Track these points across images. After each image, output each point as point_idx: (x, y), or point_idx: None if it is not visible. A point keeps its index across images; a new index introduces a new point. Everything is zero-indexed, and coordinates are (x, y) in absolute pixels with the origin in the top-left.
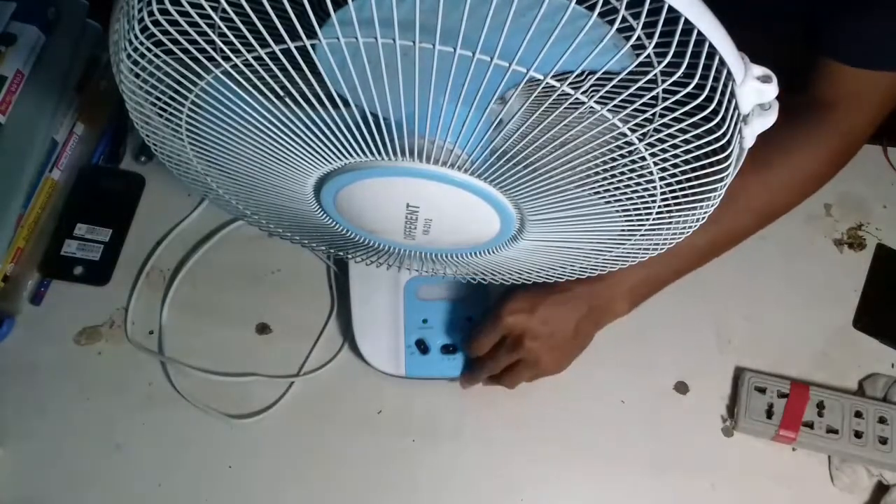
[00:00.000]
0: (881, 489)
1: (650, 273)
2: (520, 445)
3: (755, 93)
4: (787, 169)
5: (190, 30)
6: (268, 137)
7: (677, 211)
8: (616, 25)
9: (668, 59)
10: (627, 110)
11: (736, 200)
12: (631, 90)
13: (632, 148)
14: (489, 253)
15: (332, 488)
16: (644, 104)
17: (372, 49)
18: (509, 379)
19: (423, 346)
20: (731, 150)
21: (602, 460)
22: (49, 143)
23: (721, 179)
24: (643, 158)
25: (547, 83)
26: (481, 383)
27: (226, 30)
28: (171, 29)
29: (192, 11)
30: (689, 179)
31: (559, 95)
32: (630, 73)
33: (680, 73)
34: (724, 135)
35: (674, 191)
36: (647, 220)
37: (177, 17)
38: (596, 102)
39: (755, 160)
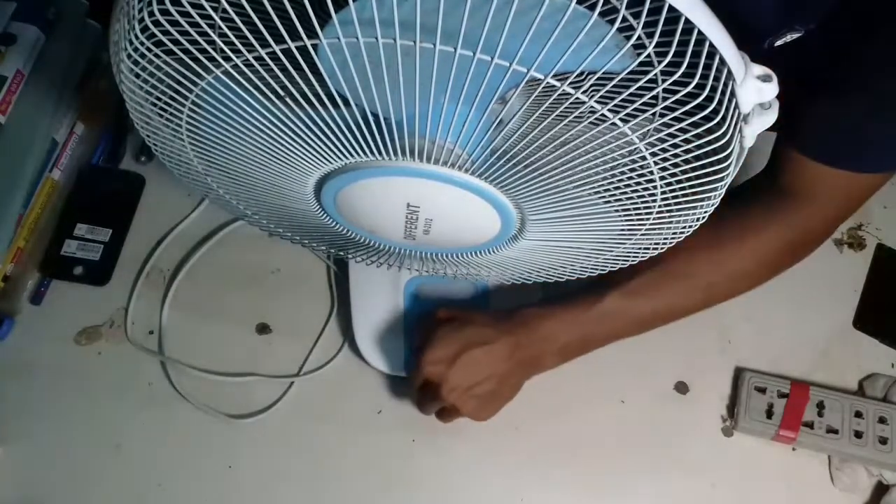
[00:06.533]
0: (881, 489)
1: (585, 334)
2: (520, 445)
3: (755, 92)
4: (738, 254)
5: (190, 30)
6: (268, 137)
7: (678, 210)
8: (616, 25)
9: (669, 58)
10: (628, 110)
11: (685, 275)
12: (631, 90)
13: (632, 147)
14: (490, 252)
15: (332, 488)
16: (644, 104)
17: (373, 49)
18: (442, 418)
19: None
20: (732, 150)
21: (602, 460)
22: (49, 143)
23: (721, 179)
24: (643, 158)
25: (547, 83)
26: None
27: (226, 30)
28: (171, 29)
29: (192, 11)
30: (689, 179)
31: (560, 95)
32: (630, 72)
33: (680, 72)
34: (724, 134)
35: (674, 190)
36: (648, 219)
37: (177, 17)
38: (596, 102)
39: (709, 237)
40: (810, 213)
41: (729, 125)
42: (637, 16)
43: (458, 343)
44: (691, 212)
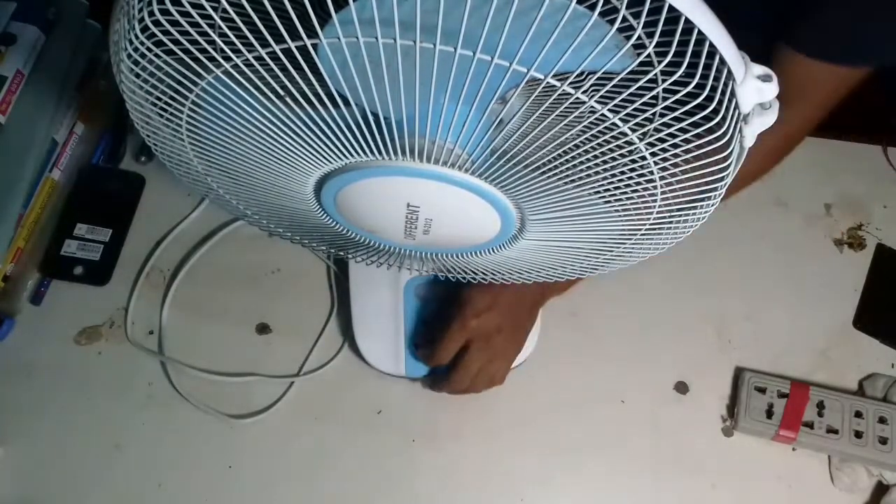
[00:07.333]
0: (881, 489)
1: None
2: (520, 445)
3: (755, 92)
4: None
5: (191, 29)
6: (268, 137)
7: (678, 210)
8: (616, 25)
9: (669, 58)
10: (628, 110)
11: None
12: (631, 90)
13: (632, 147)
14: (490, 253)
15: (332, 488)
16: (644, 104)
17: (373, 49)
18: (476, 386)
19: None
20: (732, 150)
21: (602, 460)
22: (49, 143)
23: (721, 179)
24: (643, 158)
25: (547, 83)
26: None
27: (226, 29)
28: (171, 29)
29: (192, 11)
30: (689, 179)
31: (560, 95)
32: (630, 72)
33: (680, 72)
34: (724, 134)
35: (674, 190)
36: (648, 219)
37: (177, 17)
38: (596, 102)
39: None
40: (797, 113)
41: (729, 125)
42: (637, 16)
43: (492, 291)
44: (691, 212)
